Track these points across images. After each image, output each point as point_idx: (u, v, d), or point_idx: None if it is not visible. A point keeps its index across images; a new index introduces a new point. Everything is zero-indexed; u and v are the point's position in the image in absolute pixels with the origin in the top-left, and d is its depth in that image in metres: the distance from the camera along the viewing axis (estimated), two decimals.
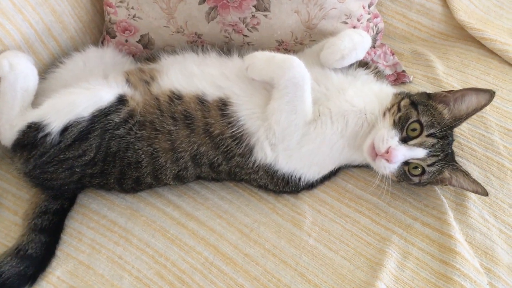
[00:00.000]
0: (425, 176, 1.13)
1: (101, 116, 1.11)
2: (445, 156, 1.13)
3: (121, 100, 1.14)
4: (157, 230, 1.17)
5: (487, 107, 1.19)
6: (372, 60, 1.42)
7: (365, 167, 1.26)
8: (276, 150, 1.16)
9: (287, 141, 1.15)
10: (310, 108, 1.15)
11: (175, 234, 1.17)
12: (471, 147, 1.29)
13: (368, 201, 1.22)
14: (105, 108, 1.11)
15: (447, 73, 1.45)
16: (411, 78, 1.43)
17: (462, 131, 1.30)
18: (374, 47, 1.45)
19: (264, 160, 1.17)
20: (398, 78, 1.43)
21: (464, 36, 1.57)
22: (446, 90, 1.18)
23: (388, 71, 1.43)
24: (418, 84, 1.43)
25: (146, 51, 1.40)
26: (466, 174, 1.14)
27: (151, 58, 1.32)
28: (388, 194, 1.18)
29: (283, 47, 1.34)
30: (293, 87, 1.10)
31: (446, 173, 1.15)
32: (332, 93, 1.20)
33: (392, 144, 1.09)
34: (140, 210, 1.21)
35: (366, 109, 1.17)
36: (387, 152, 1.09)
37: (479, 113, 1.26)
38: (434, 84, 1.42)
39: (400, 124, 1.11)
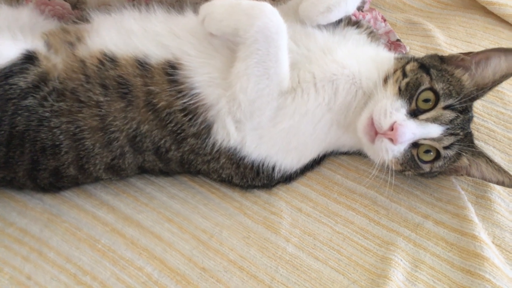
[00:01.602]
0: (439, 163, 0.89)
1: (0, 78, 0.83)
2: (464, 137, 0.88)
3: (29, 58, 0.86)
4: (83, 240, 0.89)
5: None
6: None
7: (356, 154, 1.01)
8: (243, 129, 0.90)
9: (257, 116, 0.89)
10: (286, 72, 0.90)
11: (107, 245, 0.89)
12: (489, 126, 1.06)
13: (363, 195, 0.97)
14: (5, 68, 0.83)
15: (450, 43, 1.24)
16: (407, 49, 1.21)
17: (475, 108, 1.07)
18: (362, 11, 1.21)
19: (226, 142, 0.91)
20: (392, 48, 1.19)
21: (465, 4, 1.37)
22: (463, 52, 0.94)
23: None
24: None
25: (76, 13, 1.12)
26: (489, 160, 0.90)
27: (80, 19, 1.04)
28: (389, 186, 0.92)
29: None
30: (265, 42, 0.85)
31: (465, 159, 0.91)
32: (315, 55, 0.95)
33: (398, 118, 0.85)
34: (61, 215, 0.93)
35: (361, 72, 0.92)
36: (391, 129, 0.84)
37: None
38: None
39: (408, 92, 0.87)
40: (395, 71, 0.91)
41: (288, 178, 0.99)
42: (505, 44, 1.22)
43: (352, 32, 1.00)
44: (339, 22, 1.00)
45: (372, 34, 1.03)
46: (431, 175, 0.94)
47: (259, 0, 0.88)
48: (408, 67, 0.91)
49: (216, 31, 0.89)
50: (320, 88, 0.91)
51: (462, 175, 0.96)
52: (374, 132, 0.88)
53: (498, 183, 0.92)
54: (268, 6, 0.86)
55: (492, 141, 1.04)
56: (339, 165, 1.02)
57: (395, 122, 0.84)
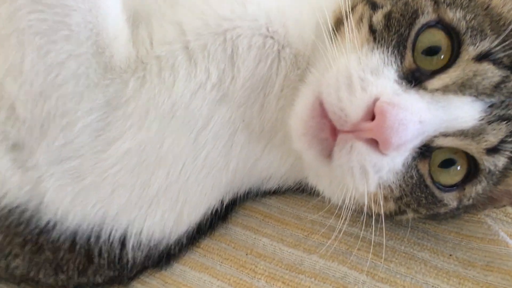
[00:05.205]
0: (478, 187, 0.41)
1: None
2: None
3: None
4: None
5: None
6: None
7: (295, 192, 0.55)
8: (32, 163, 0.40)
9: (62, 132, 0.40)
10: (118, 23, 0.42)
11: None
12: None
13: (319, 274, 0.47)
14: None
15: None
16: None
17: None
18: None
19: None
20: None
21: None
22: None
23: None
24: None
25: None
26: None
27: None
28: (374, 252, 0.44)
29: None
30: None
31: None
32: None
33: (382, 91, 0.38)
34: None
35: (284, 13, 0.45)
36: (371, 116, 0.37)
37: None
38: None
39: (394, 34, 0.41)
40: (354, 7, 0.45)
41: (164, 258, 0.49)
42: None
43: None
44: None
45: None
46: (452, 214, 0.46)
47: None
48: None
49: None
50: (197, 52, 0.42)
51: (503, 206, 0.49)
52: (329, 131, 0.39)
53: None
54: None
55: None
56: (265, 217, 0.53)
57: (377, 99, 0.36)
